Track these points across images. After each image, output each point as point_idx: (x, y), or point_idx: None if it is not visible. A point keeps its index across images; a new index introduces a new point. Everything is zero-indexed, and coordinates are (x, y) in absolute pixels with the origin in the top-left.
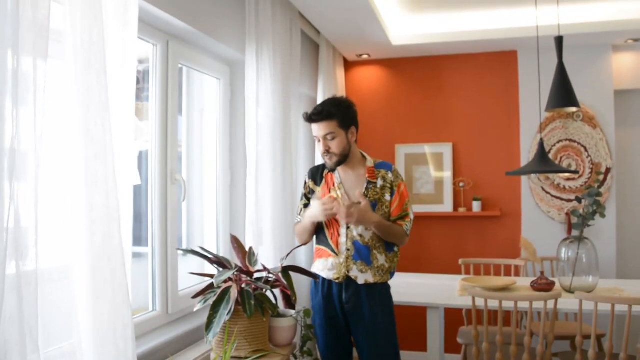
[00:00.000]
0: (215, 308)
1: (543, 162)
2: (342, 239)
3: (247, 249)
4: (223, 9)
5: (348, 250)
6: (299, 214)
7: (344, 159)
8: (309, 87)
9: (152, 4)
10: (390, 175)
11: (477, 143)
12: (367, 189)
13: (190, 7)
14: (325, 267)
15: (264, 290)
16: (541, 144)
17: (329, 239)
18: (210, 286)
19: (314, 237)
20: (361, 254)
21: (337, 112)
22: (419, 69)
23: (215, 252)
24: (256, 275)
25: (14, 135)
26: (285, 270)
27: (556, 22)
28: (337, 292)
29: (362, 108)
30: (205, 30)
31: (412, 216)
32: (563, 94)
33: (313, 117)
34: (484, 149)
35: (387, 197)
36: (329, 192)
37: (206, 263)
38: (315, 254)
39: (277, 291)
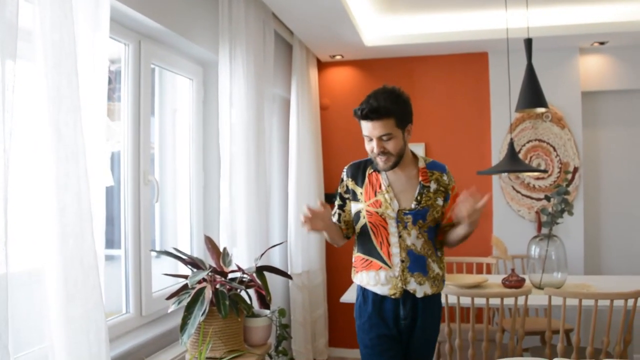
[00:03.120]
0: (189, 309)
1: (513, 162)
2: (395, 250)
3: (221, 249)
4: (196, 9)
5: (403, 261)
6: (333, 215)
7: (399, 159)
8: (283, 88)
9: (124, 3)
10: (445, 177)
11: (449, 143)
12: (420, 193)
13: (163, 7)
14: (377, 281)
15: (239, 290)
16: (511, 144)
17: (379, 249)
18: (185, 287)
19: (356, 245)
20: (417, 264)
21: (395, 109)
22: (392, 70)
23: (189, 253)
24: (230, 275)
25: None
26: (260, 270)
27: (526, 24)
28: (392, 309)
29: (335, 109)
30: (177, 30)
31: None
32: (532, 94)
33: (370, 115)
34: (456, 149)
35: (440, 201)
36: (375, 195)
37: (180, 264)
38: (358, 265)
39: (251, 291)
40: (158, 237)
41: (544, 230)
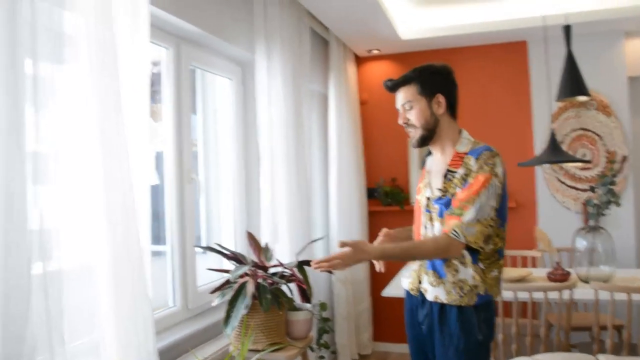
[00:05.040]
0: (232, 303)
1: (554, 152)
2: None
3: (262, 245)
4: (232, 10)
5: None
6: None
7: (429, 134)
8: (320, 84)
9: (163, 9)
10: (472, 162)
11: (490, 135)
12: (445, 179)
13: (200, 11)
14: (405, 274)
15: (280, 284)
16: (552, 135)
17: (414, 239)
18: (228, 282)
19: None
20: (434, 262)
21: (417, 76)
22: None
23: (232, 249)
24: (272, 270)
25: (35, 139)
26: (300, 264)
27: (565, 10)
28: (415, 308)
29: (374, 103)
30: (215, 32)
31: (467, 218)
32: (573, 83)
33: (388, 83)
34: (497, 140)
35: (458, 189)
36: (421, 182)
37: (224, 259)
38: None
39: (293, 285)
40: (204, 233)
41: (591, 222)
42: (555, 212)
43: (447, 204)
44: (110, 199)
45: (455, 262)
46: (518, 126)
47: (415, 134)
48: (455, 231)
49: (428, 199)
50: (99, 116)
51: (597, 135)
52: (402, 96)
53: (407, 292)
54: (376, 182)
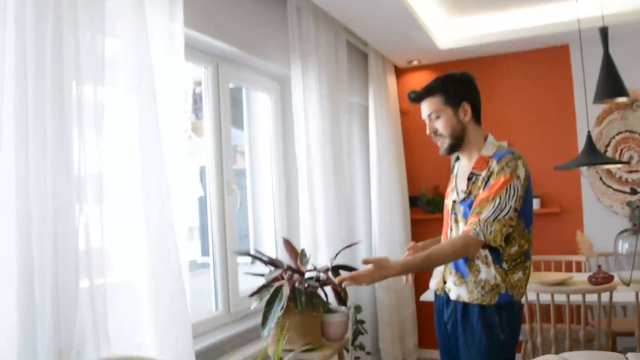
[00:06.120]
0: (269, 305)
1: (591, 155)
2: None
3: (298, 251)
4: (266, 28)
5: None
6: None
7: (457, 141)
8: (361, 96)
9: (200, 31)
10: (494, 164)
11: (533, 140)
12: (469, 182)
13: (236, 31)
14: (433, 275)
15: (315, 288)
16: (589, 136)
17: (442, 241)
18: (266, 286)
19: None
20: (457, 262)
21: (440, 87)
22: (470, 71)
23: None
24: (308, 275)
25: (80, 160)
26: (335, 269)
27: (603, 12)
28: (441, 308)
29: (416, 113)
30: (251, 50)
31: (485, 216)
32: (610, 84)
33: (412, 95)
34: (540, 145)
35: (480, 190)
36: (449, 187)
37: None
38: None
39: (328, 289)
40: (252, 243)
41: (633, 224)
42: (601, 217)
43: (471, 206)
44: (148, 214)
45: (478, 262)
46: (562, 131)
47: (443, 142)
48: (474, 229)
49: (454, 202)
50: (138, 134)
51: None
52: (427, 107)
53: (435, 293)
54: (419, 191)
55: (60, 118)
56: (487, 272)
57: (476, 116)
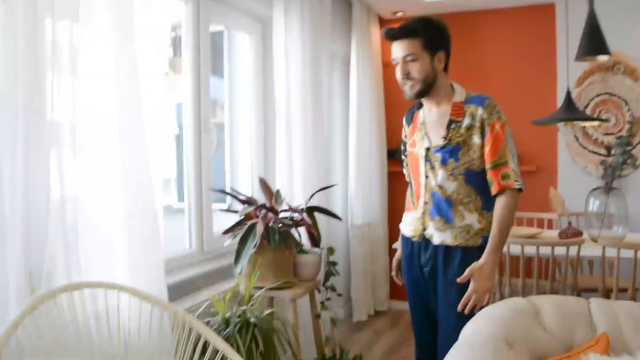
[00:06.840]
0: (243, 242)
1: (569, 111)
2: (422, 190)
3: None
4: None
5: (426, 203)
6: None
7: (426, 87)
8: (343, 45)
9: None
10: (480, 111)
11: (512, 98)
12: (448, 129)
13: None
14: (406, 222)
15: (289, 227)
16: (568, 93)
17: (413, 189)
18: (239, 223)
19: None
20: (440, 209)
21: (422, 30)
22: (454, 25)
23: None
24: (282, 215)
25: (51, 105)
26: (310, 210)
27: None
28: (417, 253)
29: None
30: None
31: (513, 165)
32: (593, 42)
33: (391, 32)
34: (520, 104)
35: (477, 139)
36: (413, 135)
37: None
38: (406, 208)
39: (302, 230)
40: (228, 184)
41: (605, 183)
42: (576, 177)
43: (452, 152)
44: (125, 152)
45: (461, 208)
46: (542, 89)
47: (414, 87)
48: (515, 180)
49: (427, 149)
50: (115, 72)
51: (623, 100)
52: (404, 48)
53: (406, 240)
54: (397, 143)
55: (34, 60)
56: (470, 217)
57: (445, 66)
